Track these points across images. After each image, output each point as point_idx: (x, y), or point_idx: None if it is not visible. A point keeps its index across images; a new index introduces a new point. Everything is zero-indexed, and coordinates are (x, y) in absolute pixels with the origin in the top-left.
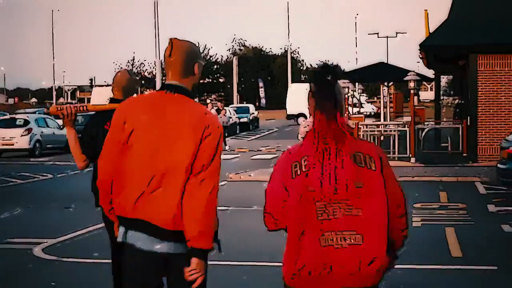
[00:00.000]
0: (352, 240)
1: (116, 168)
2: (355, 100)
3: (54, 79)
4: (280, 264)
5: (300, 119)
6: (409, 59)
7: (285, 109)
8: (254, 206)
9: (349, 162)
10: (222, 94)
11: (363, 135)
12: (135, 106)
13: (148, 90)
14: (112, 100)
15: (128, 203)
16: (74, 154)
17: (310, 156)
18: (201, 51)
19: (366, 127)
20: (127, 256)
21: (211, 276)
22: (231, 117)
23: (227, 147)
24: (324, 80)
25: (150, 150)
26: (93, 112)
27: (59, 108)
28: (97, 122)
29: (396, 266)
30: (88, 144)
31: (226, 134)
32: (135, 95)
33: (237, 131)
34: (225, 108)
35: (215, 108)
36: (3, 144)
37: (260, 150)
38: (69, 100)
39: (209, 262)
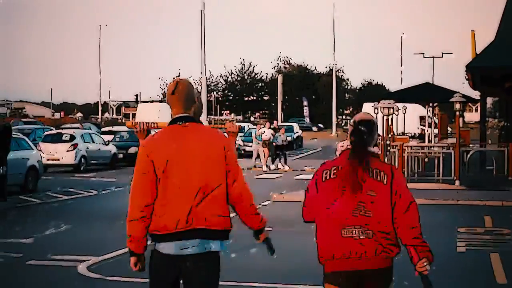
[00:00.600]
0: (365, 233)
1: (150, 194)
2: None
3: (100, 94)
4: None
5: (337, 142)
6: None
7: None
8: (297, 227)
9: (367, 177)
10: (267, 112)
11: (407, 157)
12: (158, 141)
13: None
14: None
15: (177, 219)
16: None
17: (339, 169)
18: (246, 68)
19: (411, 149)
20: (158, 263)
21: None
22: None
23: (286, 167)
24: (361, 133)
25: (188, 171)
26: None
27: (134, 123)
28: None
29: None
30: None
31: (287, 153)
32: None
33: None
34: (283, 127)
35: (272, 127)
36: (48, 159)
37: (304, 170)
38: (114, 116)
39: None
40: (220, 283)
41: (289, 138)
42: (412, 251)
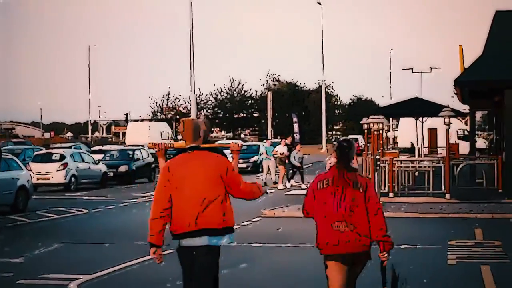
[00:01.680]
0: (348, 227)
1: (165, 203)
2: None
3: (90, 114)
4: None
5: (327, 159)
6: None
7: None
8: (288, 243)
9: (349, 189)
10: (256, 128)
11: (397, 171)
12: (174, 164)
13: None
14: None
15: (188, 222)
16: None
17: (330, 180)
18: (235, 86)
19: (401, 163)
20: (180, 253)
21: None
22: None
23: (303, 186)
24: (343, 148)
25: (195, 187)
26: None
27: (153, 144)
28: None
29: None
30: None
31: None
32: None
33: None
34: (298, 143)
35: (284, 144)
36: (38, 179)
37: (294, 186)
38: (104, 135)
39: None
40: None
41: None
42: (380, 245)
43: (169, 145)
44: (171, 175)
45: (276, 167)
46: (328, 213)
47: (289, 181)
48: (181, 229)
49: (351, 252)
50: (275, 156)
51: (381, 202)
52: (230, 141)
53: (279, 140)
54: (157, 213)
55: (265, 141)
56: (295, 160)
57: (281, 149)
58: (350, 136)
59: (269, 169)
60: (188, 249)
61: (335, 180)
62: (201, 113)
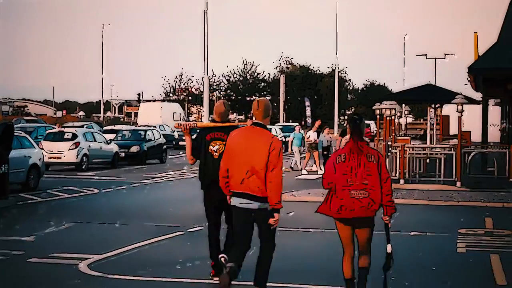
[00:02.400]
0: (363, 194)
1: (227, 165)
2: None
3: (102, 93)
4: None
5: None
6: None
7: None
8: (298, 227)
9: (364, 161)
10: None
11: (408, 158)
12: (237, 134)
13: (194, 106)
14: (212, 121)
15: (236, 183)
16: (187, 153)
17: (347, 154)
18: (248, 68)
19: (412, 150)
20: (233, 212)
21: None
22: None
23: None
24: (355, 120)
25: (245, 156)
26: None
27: (180, 124)
28: (202, 135)
29: None
30: (195, 148)
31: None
32: (230, 116)
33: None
34: (326, 126)
35: (315, 129)
36: (50, 158)
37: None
38: (116, 114)
39: None
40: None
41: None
42: (384, 209)
43: (193, 124)
44: (232, 143)
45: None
46: (347, 183)
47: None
48: (232, 188)
49: (357, 216)
50: (308, 143)
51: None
52: (249, 121)
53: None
54: (224, 173)
55: (297, 127)
56: (323, 143)
57: (312, 134)
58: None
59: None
60: (237, 208)
61: (351, 149)
62: (214, 95)
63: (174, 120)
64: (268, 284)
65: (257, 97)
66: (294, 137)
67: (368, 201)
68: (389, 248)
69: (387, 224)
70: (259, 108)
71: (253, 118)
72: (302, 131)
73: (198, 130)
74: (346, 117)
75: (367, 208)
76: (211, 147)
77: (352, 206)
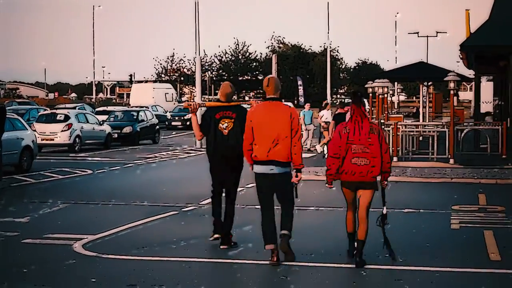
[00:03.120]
0: (364, 162)
1: (251, 138)
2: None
3: (94, 74)
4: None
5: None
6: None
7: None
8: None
9: (366, 130)
10: (261, 91)
11: (401, 135)
12: (257, 110)
13: (186, 86)
14: (218, 101)
15: (263, 153)
16: (195, 130)
17: (350, 125)
18: (240, 48)
19: (405, 127)
20: (260, 182)
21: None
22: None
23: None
24: (357, 93)
25: (269, 128)
26: (205, 108)
27: (189, 104)
28: (210, 113)
29: (434, 269)
30: (204, 126)
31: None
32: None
33: None
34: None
35: (329, 108)
36: (43, 139)
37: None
38: (108, 96)
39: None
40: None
41: None
42: (382, 176)
43: (202, 104)
44: (253, 117)
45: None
46: (349, 151)
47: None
48: (257, 158)
49: (358, 180)
50: (323, 121)
51: None
52: (251, 100)
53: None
54: (247, 146)
55: (306, 105)
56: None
57: (326, 114)
58: None
59: (310, 135)
60: (262, 175)
61: (356, 118)
62: (206, 75)
63: (166, 101)
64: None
65: (249, 77)
66: (304, 115)
67: (368, 169)
68: (384, 210)
69: (384, 189)
70: (269, 85)
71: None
72: (311, 109)
73: (206, 108)
74: (338, 95)
75: (365, 175)
76: (220, 125)
77: (353, 171)
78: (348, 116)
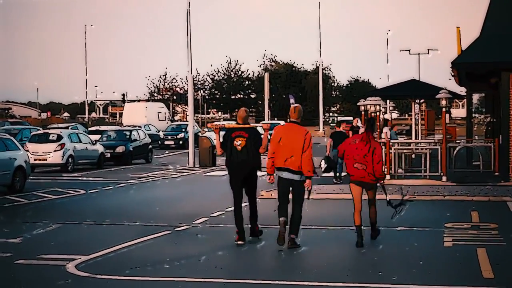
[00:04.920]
0: (362, 167)
1: (273, 148)
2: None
3: (86, 94)
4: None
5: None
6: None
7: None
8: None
9: (368, 146)
10: (253, 110)
11: (394, 153)
12: (281, 129)
13: (179, 105)
14: (237, 123)
15: (281, 162)
16: (217, 147)
17: (358, 140)
18: (233, 66)
19: (398, 145)
20: (279, 182)
21: None
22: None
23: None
24: (370, 120)
25: (288, 144)
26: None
27: (212, 125)
28: (228, 133)
29: (426, 286)
30: (223, 143)
31: None
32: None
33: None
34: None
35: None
36: (36, 159)
37: None
38: (101, 115)
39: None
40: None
41: None
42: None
43: (221, 125)
44: (278, 133)
45: None
46: (353, 157)
47: None
48: (277, 164)
49: (361, 181)
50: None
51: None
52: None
53: (275, 121)
54: (269, 154)
55: (355, 119)
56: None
57: (387, 130)
58: (346, 118)
59: None
60: (283, 179)
61: (363, 138)
62: (198, 94)
63: (159, 120)
64: (256, 281)
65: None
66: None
67: (364, 174)
68: (388, 197)
69: (383, 186)
70: (295, 112)
71: (289, 118)
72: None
73: (226, 129)
74: (331, 113)
75: (363, 177)
76: (235, 142)
77: (353, 173)
78: (361, 130)
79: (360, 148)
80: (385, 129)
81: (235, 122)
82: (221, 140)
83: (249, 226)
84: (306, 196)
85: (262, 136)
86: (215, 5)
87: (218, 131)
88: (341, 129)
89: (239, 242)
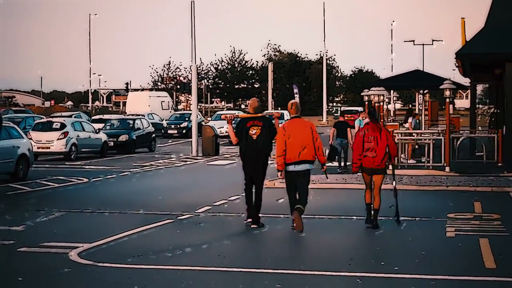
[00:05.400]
0: (373, 155)
1: (284, 147)
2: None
3: (90, 83)
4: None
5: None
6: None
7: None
8: (288, 214)
9: (376, 134)
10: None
11: (397, 143)
12: (289, 124)
13: (183, 95)
14: (248, 113)
15: (295, 156)
16: (231, 136)
17: (366, 131)
18: (236, 56)
19: (401, 135)
20: (287, 177)
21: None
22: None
23: None
24: (372, 111)
25: (299, 138)
26: (239, 118)
27: (225, 116)
28: (242, 123)
29: (429, 276)
30: (238, 132)
31: None
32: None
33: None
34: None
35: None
36: (39, 148)
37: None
38: (105, 104)
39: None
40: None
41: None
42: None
43: (234, 115)
44: (286, 130)
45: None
46: (365, 146)
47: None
48: (291, 160)
49: (371, 167)
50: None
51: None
52: (274, 111)
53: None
54: (280, 152)
55: (360, 114)
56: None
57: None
58: (350, 108)
59: None
60: (293, 172)
61: (370, 127)
62: (202, 83)
63: (162, 109)
64: (253, 270)
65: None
66: (359, 124)
67: (375, 160)
68: (394, 183)
69: (394, 168)
70: (292, 108)
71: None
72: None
73: (239, 119)
74: (334, 103)
75: (375, 163)
76: (250, 131)
77: (367, 161)
78: (365, 121)
79: (370, 137)
80: (410, 119)
81: (247, 112)
82: (235, 130)
83: (252, 219)
84: (326, 177)
85: (274, 124)
86: None
87: (231, 122)
88: (344, 119)
89: (248, 220)
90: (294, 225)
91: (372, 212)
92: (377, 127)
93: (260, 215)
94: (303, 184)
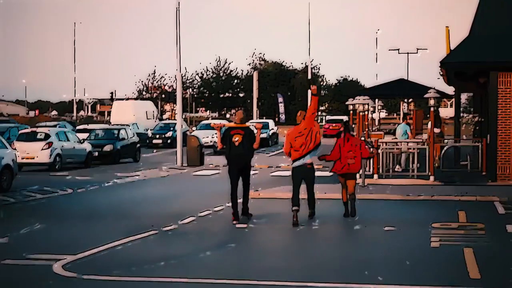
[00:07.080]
0: (352, 162)
1: (290, 146)
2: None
3: (75, 92)
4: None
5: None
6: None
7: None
8: (273, 223)
9: (352, 144)
10: (242, 108)
11: (381, 152)
12: (295, 129)
13: (168, 104)
14: (236, 123)
15: (300, 153)
16: (218, 142)
17: (342, 141)
18: (221, 65)
19: (386, 145)
20: (295, 173)
21: None
22: None
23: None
24: (346, 123)
25: (303, 139)
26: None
27: (214, 124)
28: (227, 131)
29: (414, 287)
30: (223, 140)
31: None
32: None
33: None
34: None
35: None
36: (23, 158)
37: (279, 167)
38: (89, 113)
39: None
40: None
41: (264, 135)
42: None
43: (222, 124)
44: (292, 133)
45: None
46: (343, 153)
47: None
48: (294, 157)
49: (348, 172)
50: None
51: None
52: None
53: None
54: (288, 150)
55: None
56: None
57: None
58: (335, 117)
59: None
60: (297, 168)
61: (344, 139)
62: (187, 92)
63: (147, 119)
64: (242, 282)
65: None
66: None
67: (353, 165)
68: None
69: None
70: (300, 115)
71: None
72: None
73: (226, 128)
74: (320, 112)
75: (351, 169)
76: (233, 138)
77: (346, 167)
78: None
79: (346, 146)
80: (428, 124)
81: (234, 122)
82: (222, 136)
83: (241, 207)
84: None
85: (255, 134)
86: (204, 3)
87: (219, 129)
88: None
89: (234, 222)
90: (294, 218)
91: (348, 196)
92: (349, 139)
93: (245, 224)
94: (310, 179)
